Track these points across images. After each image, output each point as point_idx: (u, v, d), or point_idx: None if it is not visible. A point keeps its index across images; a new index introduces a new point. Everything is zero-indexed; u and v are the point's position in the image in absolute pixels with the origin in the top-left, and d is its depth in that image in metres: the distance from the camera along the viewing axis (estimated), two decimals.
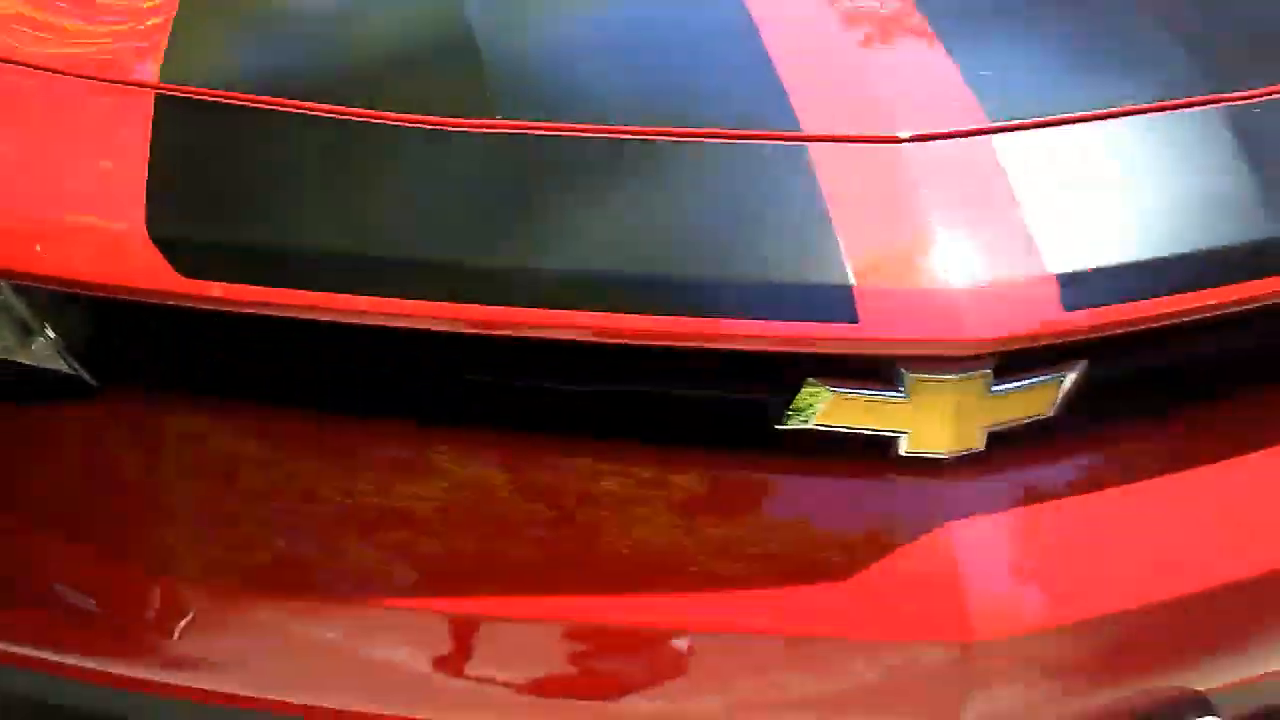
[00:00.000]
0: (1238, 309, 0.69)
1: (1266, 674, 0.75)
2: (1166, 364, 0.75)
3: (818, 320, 0.63)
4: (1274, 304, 0.70)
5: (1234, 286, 0.67)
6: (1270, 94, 0.78)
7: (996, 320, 0.63)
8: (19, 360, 0.75)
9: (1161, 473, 0.72)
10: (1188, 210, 0.71)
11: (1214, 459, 0.73)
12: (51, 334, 0.74)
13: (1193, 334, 0.72)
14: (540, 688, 0.69)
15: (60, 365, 0.75)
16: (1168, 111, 0.75)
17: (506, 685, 0.68)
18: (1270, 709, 0.79)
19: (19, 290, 0.73)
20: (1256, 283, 0.68)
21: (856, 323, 0.62)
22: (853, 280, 0.63)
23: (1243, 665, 0.74)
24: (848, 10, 0.84)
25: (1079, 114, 0.74)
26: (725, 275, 0.65)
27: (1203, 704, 0.72)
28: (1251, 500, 0.73)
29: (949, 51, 0.78)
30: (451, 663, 0.69)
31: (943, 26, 0.81)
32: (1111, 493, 0.70)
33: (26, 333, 0.74)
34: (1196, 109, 0.76)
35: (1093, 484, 0.70)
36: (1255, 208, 0.70)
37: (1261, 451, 0.74)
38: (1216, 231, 0.69)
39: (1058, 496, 0.69)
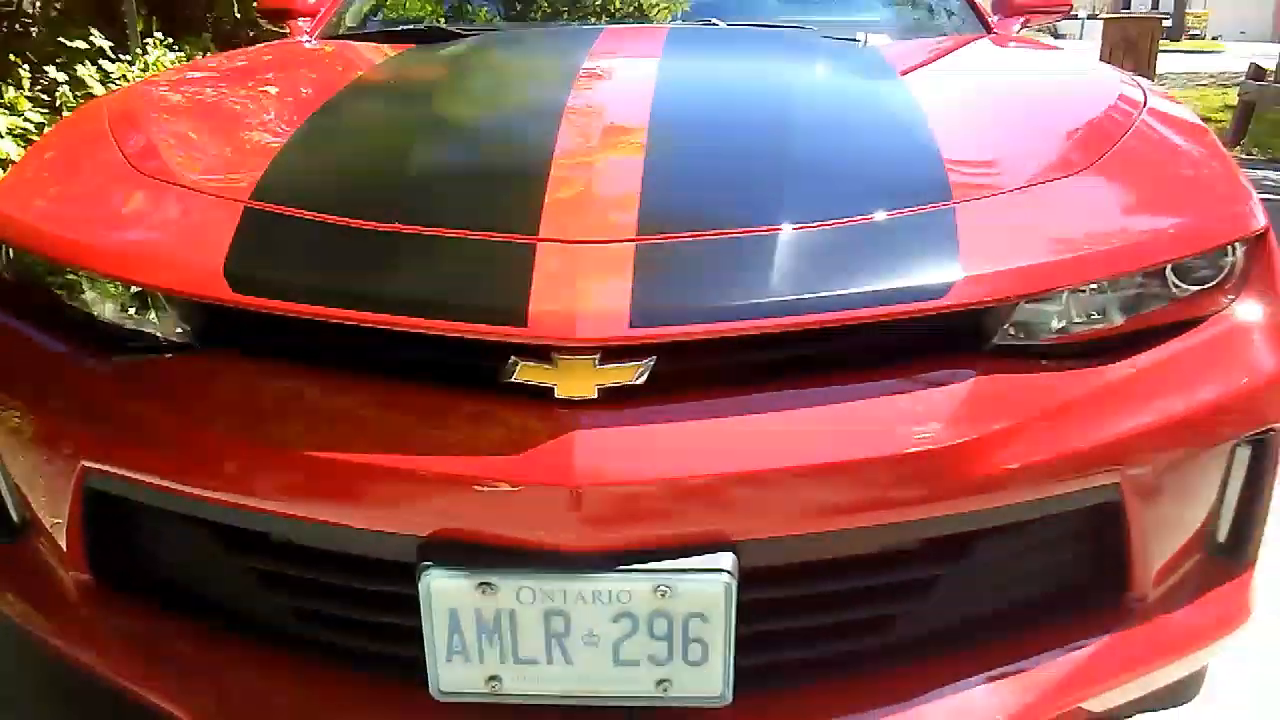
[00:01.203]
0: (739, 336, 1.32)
1: (787, 534, 1.33)
2: (721, 360, 1.38)
3: (511, 325, 1.31)
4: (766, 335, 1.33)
5: (725, 324, 1.30)
6: (819, 225, 1.41)
7: (590, 330, 1.29)
8: (159, 334, 1.51)
9: (713, 415, 1.32)
10: (729, 282, 1.34)
11: (749, 410, 1.33)
12: (177, 318, 1.50)
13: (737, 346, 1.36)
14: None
15: (182, 337, 1.50)
16: (738, 234, 1.40)
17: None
18: (792, 563, 1.39)
19: (165, 296, 1.49)
20: (748, 322, 1.30)
21: (526, 326, 1.30)
22: (530, 306, 1.31)
23: (764, 525, 1.32)
24: (609, 149, 1.55)
25: (699, 232, 1.39)
26: (477, 304, 1.33)
27: (726, 543, 1.31)
28: (766, 430, 1.32)
29: (642, 185, 1.46)
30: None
31: (649, 171, 1.49)
32: (679, 424, 1.31)
33: (165, 318, 1.51)
34: (762, 232, 1.40)
35: (669, 417, 1.31)
36: (776, 282, 1.33)
37: (780, 409, 1.33)
38: (735, 290, 1.32)
39: (642, 422, 1.31)
